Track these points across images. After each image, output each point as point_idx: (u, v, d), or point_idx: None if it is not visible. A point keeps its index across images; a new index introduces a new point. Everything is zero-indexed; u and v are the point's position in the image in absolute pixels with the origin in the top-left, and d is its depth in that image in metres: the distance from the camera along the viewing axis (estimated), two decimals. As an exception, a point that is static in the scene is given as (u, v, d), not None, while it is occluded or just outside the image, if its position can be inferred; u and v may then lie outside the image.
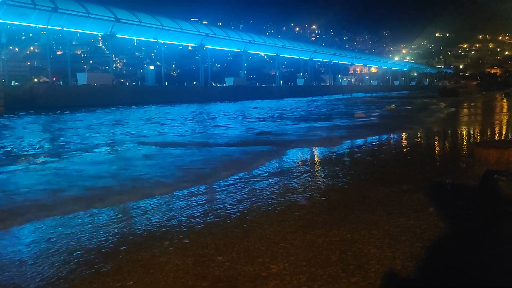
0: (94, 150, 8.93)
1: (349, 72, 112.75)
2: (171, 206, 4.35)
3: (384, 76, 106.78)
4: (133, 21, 39.23)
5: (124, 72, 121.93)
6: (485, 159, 5.94)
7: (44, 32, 40.95)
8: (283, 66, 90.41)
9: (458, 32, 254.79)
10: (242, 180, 5.48)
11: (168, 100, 39.13)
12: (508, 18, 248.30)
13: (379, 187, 4.79)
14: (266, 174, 5.84)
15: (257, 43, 55.11)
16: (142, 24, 39.85)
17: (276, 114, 20.36)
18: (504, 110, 21.06)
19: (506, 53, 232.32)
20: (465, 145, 7.63)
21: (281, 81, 74.51)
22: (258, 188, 4.96)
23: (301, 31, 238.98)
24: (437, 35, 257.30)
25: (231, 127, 14.11)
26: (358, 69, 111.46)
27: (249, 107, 29.56)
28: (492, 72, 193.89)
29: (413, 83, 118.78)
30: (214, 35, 48.03)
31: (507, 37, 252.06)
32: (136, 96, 38.13)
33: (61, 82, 44.06)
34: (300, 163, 7.14)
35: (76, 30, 39.27)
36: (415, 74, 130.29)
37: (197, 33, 46.17)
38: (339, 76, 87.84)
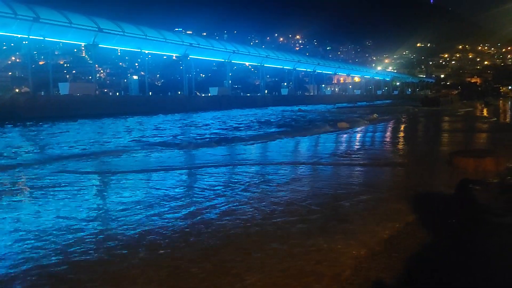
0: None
1: (333, 82, 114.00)
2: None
3: (367, 86, 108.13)
4: (116, 31, 39.05)
5: (108, 82, 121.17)
6: (463, 168, 6.02)
7: (26, 42, 40.50)
8: (268, 76, 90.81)
9: (439, 43, 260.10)
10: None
11: (152, 110, 38.89)
12: (486, 29, 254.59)
13: (355, 196, 4.80)
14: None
15: (241, 53, 55.36)
16: (125, 34, 39.67)
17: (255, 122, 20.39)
18: (485, 117, 21.45)
19: (486, 63, 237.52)
20: (444, 153, 7.71)
21: (266, 91, 74.84)
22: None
23: (285, 41, 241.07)
24: (418, 45, 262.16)
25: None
26: (341, 79, 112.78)
27: (234, 115, 29.56)
28: (472, 81, 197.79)
29: (395, 92, 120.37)
30: (198, 45, 48.10)
31: (486, 47, 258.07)
32: (119, 107, 37.79)
33: (42, 93, 43.41)
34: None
35: (58, 40, 38.92)
36: (398, 83, 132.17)
37: (181, 43, 46.18)
38: (323, 85, 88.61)
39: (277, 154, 9.79)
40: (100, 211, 4.47)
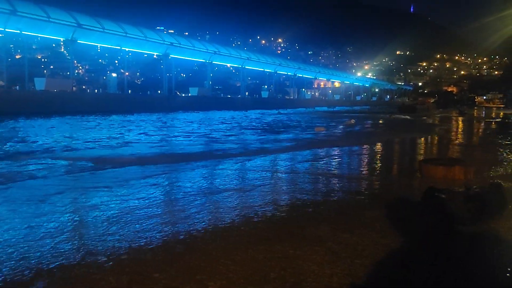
0: None
1: (313, 86, 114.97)
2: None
3: (347, 91, 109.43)
4: (95, 27, 38.54)
5: (87, 78, 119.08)
6: (432, 176, 6.12)
7: (2, 35, 39.58)
8: (249, 78, 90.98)
9: (418, 51, 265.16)
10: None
11: (131, 109, 38.50)
12: (463, 40, 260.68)
13: (323, 203, 4.84)
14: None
15: (222, 54, 55.32)
16: (105, 30, 39.20)
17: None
18: (459, 128, 21.92)
19: (462, 72, 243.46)
20: (415, 161, 7.84)
21: (246, 93, 74.93)
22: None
23: (267, 44, 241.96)
24: (398, 53, 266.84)
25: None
26: (322, 84, 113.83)
27: (202, 118, 29.48)
28: (449, 90, 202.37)
29: (374, 98, 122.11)
30: (179, 45, 47.87)
31: (462, 58, 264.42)
32: (97, 104, 37.27)
33: (18, 87, 42.45)
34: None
35: (36, 34, 38.13)
36: (377, 90, 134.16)
37: (162, 42, 45.88)
38: (303, 89, 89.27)
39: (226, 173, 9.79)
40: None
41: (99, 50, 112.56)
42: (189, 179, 6.43)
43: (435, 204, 4.06)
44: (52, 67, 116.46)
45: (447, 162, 6.39)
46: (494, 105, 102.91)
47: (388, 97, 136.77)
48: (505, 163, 8.00)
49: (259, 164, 8.08)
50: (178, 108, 44.34)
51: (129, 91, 61.86)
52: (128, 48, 45.35)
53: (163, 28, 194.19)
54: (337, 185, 6.08)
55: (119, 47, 44.07)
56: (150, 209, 4.51)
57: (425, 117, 30.89)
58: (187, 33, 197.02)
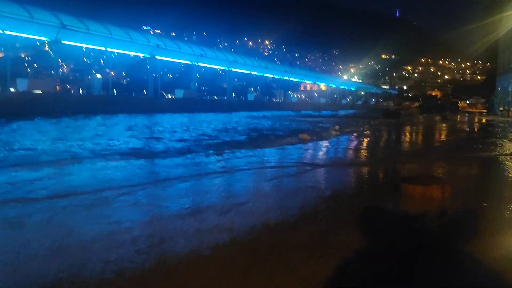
0: None
1: (300, 88, 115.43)
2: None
3: (333, 94, 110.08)
4: (80, 28, 38.13)
5: (71, 78, 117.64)
6: (410, 195, 6.18)
7: (-17, 34, 38.85)
8: (236, 80, 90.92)
9: (403, 55, 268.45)
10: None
11: (115, 110, 38.16)
12: (448, 45, 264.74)
13: (293, 230, 4.82)
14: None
15: (208, 56, 55.22)
16: (89, 32, 38.82)
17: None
18: (442, 135, 22.20)
19: (446, 77, 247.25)
20: (393, 179, 7.87)
21: (233, 94, 74.92)
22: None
23: (254, 45, 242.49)
24: (383, 56, 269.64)
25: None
26: (308, 86, 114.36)
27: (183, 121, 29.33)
28: (433, 94, 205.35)
29: (359, 102, 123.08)
30: (165, 47, 47.65)
31: (446, 62, 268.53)
32: (81, 106, 36.84)
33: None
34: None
35: (19, 34, 37.51)
36: (362, 93, 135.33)
37: (148, 43, 45.63)
38: (290, 92, 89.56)
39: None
40: None
41: (84, 50, 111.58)
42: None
43: (409, 222, 4.11)
44: (35, 65, 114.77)
45: (425, 180, 6.46)
46: (477, 110, 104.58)
47: (373, 100, 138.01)
48: (486, 179, 8.13)
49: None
50: (163, 110, 44.08)
51: (114, 91, 61.50)
52: (113, 49, 44.94)
53: (149, 28, 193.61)
54: (311, 194, 6.06)
55: (104, 48, 43.68)
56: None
57: (408, 124, 31.21)
58: (173, 33, 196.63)
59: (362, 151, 13.35)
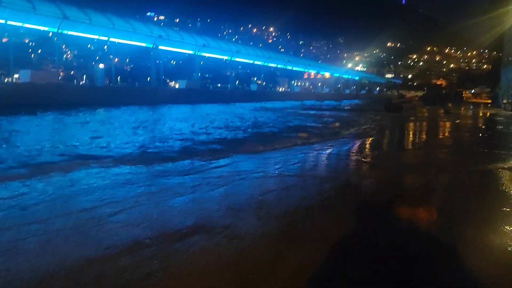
0: None
1: (304, 77, 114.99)
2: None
3: (336, 84, 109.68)
4: (82, 19, 38.12)
5: (75, 64, 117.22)
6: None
7: (-15, 25, 38.89)
8: (240, 67, 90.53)
9: (408, 43, 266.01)
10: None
11: (118, 101, 38.29)
12: (454, 33, 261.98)
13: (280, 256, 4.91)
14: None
15: (211, 47, 55.08)
16: (92, 23, 38.80)
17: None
18: (442, 136, 22.23)
19: (451, 65, 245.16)
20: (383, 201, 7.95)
21: (237, 82, 74.66)
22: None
23: (258, 32, 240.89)
24: (388, 44, 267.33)
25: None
26: (312, 74, 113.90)
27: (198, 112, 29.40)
28: (438, 83, 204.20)
29: (363, 91, 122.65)
30: (167, 38, 47.56)
31: (452, 51, 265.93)
32: (83, 97, 37.00)
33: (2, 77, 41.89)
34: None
35: (22, 25, 37.56)
36: (366, 82, 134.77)
37: (150, 34, 45.55)
38: (293, 82, 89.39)
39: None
40: None
41: (87, 40, 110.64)
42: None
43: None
44: (40, 51, 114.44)
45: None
46: (482, 100, 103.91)
47: (377, 90, 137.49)
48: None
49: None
50: (166, 101, 44.22)
51: (118, 81, 61.50)
52: (116, 39, 44.87)
53: (153, 14, 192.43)
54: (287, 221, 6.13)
55: (106, 38, 43.70)
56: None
57: (410, 120, 31.18)
58: (177, 20, 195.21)
59: (359, 161, 13.39)
